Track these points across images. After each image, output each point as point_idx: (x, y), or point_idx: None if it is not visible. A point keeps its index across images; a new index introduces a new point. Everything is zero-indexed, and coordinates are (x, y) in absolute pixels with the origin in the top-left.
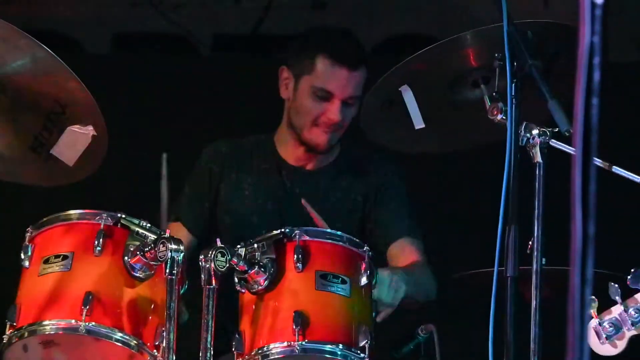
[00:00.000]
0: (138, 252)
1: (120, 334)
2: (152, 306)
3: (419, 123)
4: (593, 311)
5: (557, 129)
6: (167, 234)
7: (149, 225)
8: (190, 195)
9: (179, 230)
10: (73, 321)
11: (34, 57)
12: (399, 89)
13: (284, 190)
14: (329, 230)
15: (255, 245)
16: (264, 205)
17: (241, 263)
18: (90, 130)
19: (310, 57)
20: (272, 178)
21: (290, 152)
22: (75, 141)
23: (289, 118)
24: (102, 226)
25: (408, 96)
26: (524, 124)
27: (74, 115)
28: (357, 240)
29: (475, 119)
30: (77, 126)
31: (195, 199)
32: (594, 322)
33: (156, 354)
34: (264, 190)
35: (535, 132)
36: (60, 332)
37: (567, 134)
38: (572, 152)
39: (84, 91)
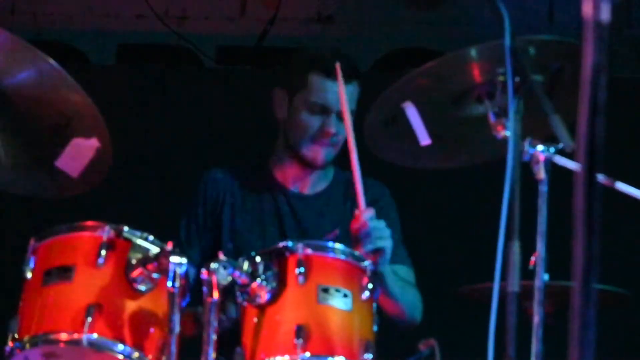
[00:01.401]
0: (140, 265)
1: (122, 347)
2: (154, 319)
3: (424, 139)
4: None
5: (561, 145)
6: (170, 247)
7: (151, 237)
8: (185, 218)
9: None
10: (75, 333)
11: (39, 69)
12: (401, 106)
13: (282, 214)
14: (330, 244)
15: (258, 259)
16: (265, 230)
17: (243, 276)
18: (94, 142)
19: (303, 74)
20: (270, 203)
21: (287, 173)
22: (79, 153)
23: (286, 137)
24: (104, 238)
25: (411, 112)
26: (528, 140)
27: (79, 127)
28: (359, 254)
29: (480, 134)
30: (82, 138)
31: (190, 219)
32: None
33: None
34: (264, 215)
35: (539, 148)
36: (62, 345)
37: (569, 150)
38: (575, 169)
39: (89, 103)
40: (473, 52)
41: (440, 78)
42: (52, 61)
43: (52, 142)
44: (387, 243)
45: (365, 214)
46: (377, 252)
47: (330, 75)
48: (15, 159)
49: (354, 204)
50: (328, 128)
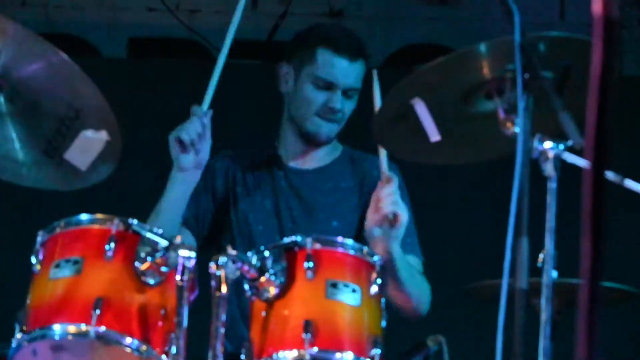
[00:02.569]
0: (149, 258)
1: (129, 340)
2: (162, 312)
3: (434, 135)
4: None
5: (570, 142)
6: (179, 240)
7: (160, 231)
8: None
9: (182, 233)
10: (83, 326)
11: (49, 61)
12: (411, 102)
13: (281, 189)
14: (340, 239)
15: (266, 253)
16: (262, 204)
17: (252, 270)
18: (103, 135)
19: (311, 49)
20: (269, 177)
21: (289, 148)
22: (88, 146)
23: (289, 112)
24: (113, 231)
25: (421, 109)
26: (537, 137)
27: (88, 120)
28: (369, 249)
29: (490, 131)
30: (91, 131)
31: (194, 197)
32: None
33: None
34: (261, 189)
35: (548, 144)
36: (70, 337)
37: (578, 147)
38: (584, 166)
39: (99, 96)
40: (482, 48)
41: (449, 74)
42: (62, 54)
43: (62, 134)
44: (405, 215)
45: (389, 183)
46: (395, 219)
47: (339, 50)
48: (24, 151)
49: (357, 181)
50: (333, 104)
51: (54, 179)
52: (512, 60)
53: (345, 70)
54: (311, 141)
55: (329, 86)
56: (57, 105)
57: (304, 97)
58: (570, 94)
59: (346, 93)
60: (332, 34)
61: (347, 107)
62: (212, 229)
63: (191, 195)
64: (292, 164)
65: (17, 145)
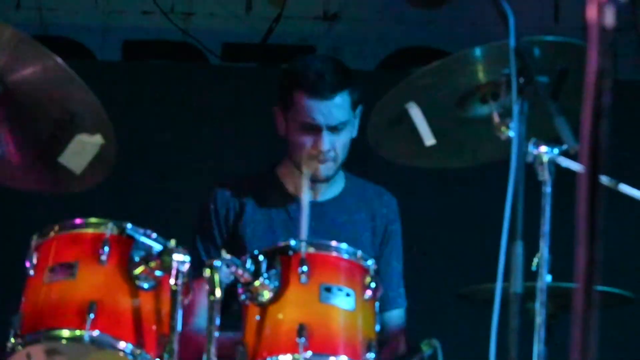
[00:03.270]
0: (143, 262)
1: (123, 344)
2: (157, 316)
3: (429, 139)
4: None
5: (565, 146)
6: (173, 244)
7: (154, 235)
8: (205, 247)
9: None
10: (77, 330)
11: (44, 65)
12: (405, 106)
13: (292, 223)
14: (334, 243)
15: (261, 257)
16: (275, 239)
17: (246, 274)
18: (98, 138)
19: (288, 93)
20: (280, 211)
21: (296, 184)
22: (82, 150)
23: (290, 153)
24: (107, 235)
25: (415, 113)
26: (532, 141)
27: (83, 124)
28: (363, 253)
29: (484, 135)
30: (86, 135)
31: (210, 247)
32: None
33: None
34: (275, 224)
35: (543, 149)
36: (64, 341)
37: (573, 152)
38: (579, 171)
39: (93, 100)
40: (477, 53)
41: (444, 78)
42: (57, 57)
43: (56, 138)
44: None
45: None
46: None
47: (312, 92)
48: (18, 154)
49: (368, 214)
50: (320, 146)
51: (49, 183)
52: (507, 65)
53: (323, 110)
54: (312, 181)
55: (312, 127)
56: (52, 108)
57: (294, 141)
58: (566, 98)
59: (333, 129)
60: (305, 75)
61: (338, 142)
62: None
63: (205, 237)
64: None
65: (11, 148)
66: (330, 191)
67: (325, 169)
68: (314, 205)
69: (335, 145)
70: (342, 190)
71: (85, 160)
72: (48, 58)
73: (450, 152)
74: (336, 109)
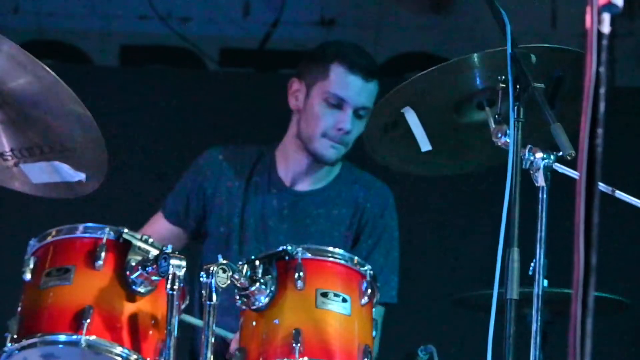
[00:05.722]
0: (140, 267)
1: (120, 349)
2: (153, 321)
3: (425, 145)
4: None
5: (561, 153)
6: (169, 249)
7: (151, 240)
8: (176, 189)
9: (158, 219)
10: (73, 335)
11: (37, 76)
12: (401, 111)
13: (271, 208)
14: (330, 248)
15: (257, 262)
16: (248, 220)
17: (242, 280)
18: (81, 176)
19: (325, 65)
20: (261, 194)
21: (290, 167)
22: (54, 172)
23: (298, 129)
24: (104, 240)
25: (411, 118)
26: (528, 147)
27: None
28: (359, 259)
29: (481, 141)
30: (67, 166)
31: (179, 193)
32: None
33: None
34: (251, 204)
35: (539, 155)
36: (61, 346)
37: (569, 158)
38: (576, 177)
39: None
40: (474, 59)
41: (441, 84)
42: (47, 69)
43: (48, 146)
44: None
45: None
46: None
47: (354, 68)
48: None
49: (350, 209)
50: (343, 124)
51: (46, 188)
52: (504, 71)
53: (358, 88)
54: (317, 161)
55: (340, 104)
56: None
57: (314, 114)
58: (562, 105)
59: (357, 113)
60: (348, 51)
61: (357, 128)
62: (200, 222)
63: (180, 191)
64: (289, 184)
65: (6, 149)
66: (318, 182)
67: (335, 152)
68: (293, 194)
69: (354, 130)
70: (330, 182)
71: (48, 179)
72: (40, 69)
73: (447, 158)
74: (367, 93)
